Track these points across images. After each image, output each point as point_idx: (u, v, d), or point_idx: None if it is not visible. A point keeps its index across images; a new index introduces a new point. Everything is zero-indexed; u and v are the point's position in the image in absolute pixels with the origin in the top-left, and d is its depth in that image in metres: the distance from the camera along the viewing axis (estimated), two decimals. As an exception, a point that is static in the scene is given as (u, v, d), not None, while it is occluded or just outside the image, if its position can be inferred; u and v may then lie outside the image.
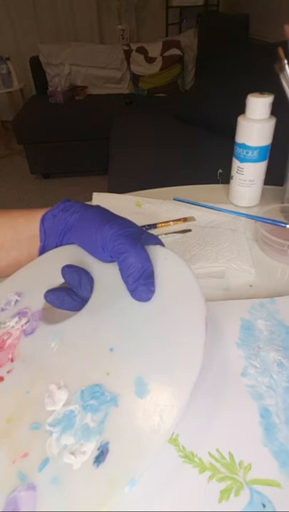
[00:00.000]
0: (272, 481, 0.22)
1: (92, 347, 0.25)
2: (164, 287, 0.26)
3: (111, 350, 0.24)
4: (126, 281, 0.26)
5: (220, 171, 0.73)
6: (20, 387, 0.24)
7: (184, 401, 0.21)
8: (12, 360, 0.26)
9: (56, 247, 0.33)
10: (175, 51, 2.31)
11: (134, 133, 1.77)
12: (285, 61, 0.44)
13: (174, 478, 0.23)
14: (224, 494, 0.22)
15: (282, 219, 0.49)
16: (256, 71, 1.27)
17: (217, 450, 0.24)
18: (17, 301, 0.31)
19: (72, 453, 0.20)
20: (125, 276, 0.26)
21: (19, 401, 0.24)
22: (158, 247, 0.29)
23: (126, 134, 1.76)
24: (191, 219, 0.53)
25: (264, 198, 0.57)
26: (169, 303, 0.25)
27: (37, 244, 0.33)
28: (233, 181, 0.56)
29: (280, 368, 0.29)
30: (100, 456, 0.20)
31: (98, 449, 0.20)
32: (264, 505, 0.21)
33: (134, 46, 2.35)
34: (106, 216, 0.29)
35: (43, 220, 0.32)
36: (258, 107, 0.48)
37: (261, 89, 0.49)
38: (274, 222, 0.44)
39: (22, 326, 0.29)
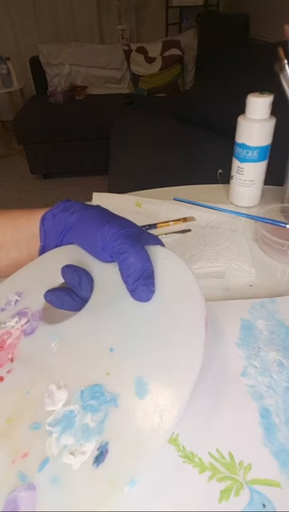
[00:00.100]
0: (272, 481, 0.22)
1: (92, 347, 0.25)
2: (164, 287, 0.26)
3: (111, 350, 0.24)
4: (126, 281, 0.26)
5: (220, 171, 0.73)
6: (20, 387, 0.24)
7: (184, 401, 0.21)
8: (12, 360, 0.26)
9: (56, 247, 0.33)
10: (175, 51, 2.31)
11: (134, 133, 1.77)
12: (285, 61, 0.44)
13: (174, 478, 0.23)
14: (224, 494, 0.22)
15: (282, 219, 0.49)
16: (256, 71, 1.27)
17: (217, 450, 0.24)
18: (17, 301, 0.31)
19: (72, 453, 0.20)
20: (125, 276, 0.26)
21: (19, 401, 0.24)
22: (158, 247, 0.29)
23: (126, 134, 1.76)
24: (191, 219, 0.53)
25: (264, 198, 0.57)
26: (169, 303, 0.25)
27: (37, 244, 0.33)
28: (233, 181, 0.56)
29: (280, 368, 0.29)
30: (100, 456, 0.20)
31: (98, 449, 0.20)
32: (264, 505, 0.21)
33: (134, 46, 2.35)
34: (106, 216, 0.29)
35: (43, 220, 0.32)
36: (258, 107, 0.48)
37: (261, 89, 0.49)
38: (274, 222, 0.44)
39: (22, 326, 0.29)
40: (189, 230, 0.50)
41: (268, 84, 0.53)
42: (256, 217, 0.45)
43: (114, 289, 0.27)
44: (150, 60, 2.33)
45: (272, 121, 0.49)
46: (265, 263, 0.45)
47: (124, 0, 2.78)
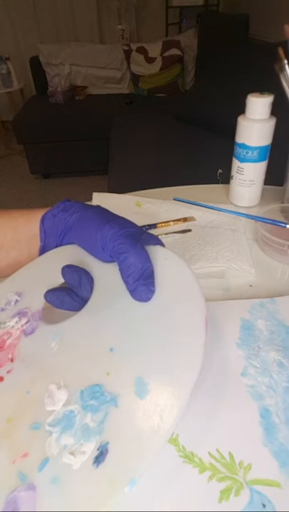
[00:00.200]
0: (272, 481, 0.22)
1: (92, 347, 0.25)
2: (164, 287, 0.26)
3: (111, 350, 0.24)
4: (126, 281, 0.26)
5: (220, 171, 0.73)
6: (20, 387, 0.24)
7: (184, 401, 0.21)
8: (12, 360, 0.26)
9: (56, 247, 0.33)
10: (175, 51, 2.31)
11: (134, 133, 1.77)
12: (285, 61, 0.44)
13: (174, 478, 0.23)
14: (224, 494, 0.22)
15: (282, 219, 0.49)
16: (256, 71, 1.27)
17: (217, 450, 0.24)
18: (17, 301, 0.31)
19: (72, 453, 0.20)
20: (125, 276, 0.26)
21: (19, 401, 0.24)
22: (158, 247, 0.29)
23: (126, 134, 1.76)
24: (191, 219, 0.53)
25: (264, 198, 0.57)
26: (169, 303, 0.25)
27: (37, 244, 0.33)
28: (233, 181, 0.56)
29: (280, 368, 0.29)
30: (100, 456, 0.20)
31: (98, 449, 0.20)
32: (264, 505, 0.21)
33: (134, 46, 2.35)
34: (106, 216, 0.29)
35: (43, 220, 0.32)
36: (258, 107, 0.48)
37: (261, 89, 0.49)
38: (274, 222, 0.44)
39: (22, 326, 0.29)
40: (189, 230, 0.50)
41: (268, 84, 0.53)
42: (256, 217, 0.45)
43: (114, 289, 0.27)
44: (150, 60, 2.33)
45: (272, 121, 0.49)
46: (265, 263, 0.45)
47: (124, 0, 2.78)
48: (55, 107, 2.23)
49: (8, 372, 0.26)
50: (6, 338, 0.28)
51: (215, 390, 0.28)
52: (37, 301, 0.30)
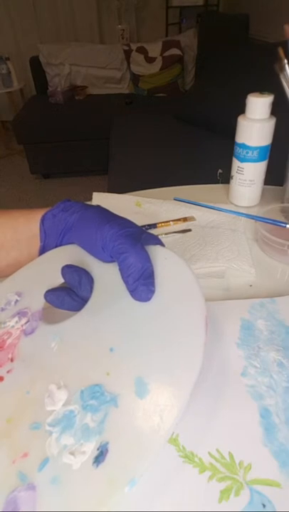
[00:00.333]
0: (272, 481, 0.22)
1: (92, 347, 0.25)
2: (164, 287, 0.26)
3: (111, 350, 0.24)
4: (126, 281, 0.26)
5: (220, 171, 0.73)
6: (20, 387, 0.24)
7: (184, 401, 0.21)
8: (12, 360, 0.26)
9: (56, 247, 0.33)
10: (175, 51, 2.31)
11: (134, 133, 1.77)
12: (285, 61, 0.44)
13: (174, 478, 0.23)
14: (224, 494, 0.22)
15: (282, 219, 0.49)
16: (256, 71, 1.27)
17: (217, 450, 0.24)
18: (17, 301, 0.31)
19: (72, 453, 0.20)
20: (125, 276, 0.26)
21: (19, 401, 0.24)
22: (158, 247, 0.29)
23: (126, 134, 1.76)
24: (191, 219, 0.53)
25: (264, 198, 0.57)
26: (169, 303, 0.25)
27: (37, 244, 0.33)
28: (233, 181, 0.56)
29: (280, 368, 0.29)
30: (100, 456, 0.20)
31: (98, 449, 0.20)
32: (264, 505, 0.21)
33: (134, 46, 2.35)
34: (106, 216, 0.29)
35: (43, 220, 0.32)
36: (258, 106, 0.48)
37: (261, 89, 0.49)
38: (274, 222, 0.44)
39: (22, 325, 0.29)
40: (189, 230, 0.50)
41: (268, 84, 0.53)
42: (256, 217, 0.45)
43: (114, 289, 0.27)
44: (150, 60, 2.33)
45: (272, 121, 0.49)
46: (265, 263, 0.45)
47: (124, 0, 2.78)
48: (55, 107, 2.23)
49: (8, 372, 0.26)
50: (6, 338, 0.28)
51: (215, 390, 0.28)
52: (37, 301, 0.30)
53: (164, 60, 2.31)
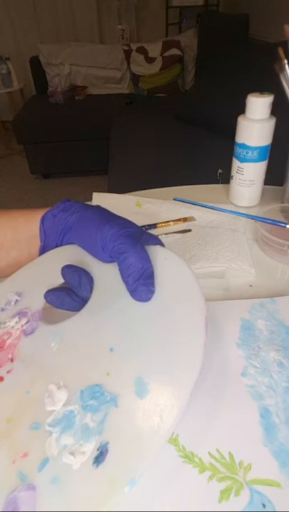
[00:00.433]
0: (272, 481, 0.22)
1: (92, 347, 0.25)
2: (164, 287, 0.26)
3: (111, 350, 0.24)
4: (126, 282, 0.26)
5: (220, 171, 0.73)
6: (20, 387, 0.24)
7: (184, 401, 0.21)
8: (12, 360, 0.26)
9: (56, 247, 0.33)
10: (175, 51, 2.31)
11: (134, 133, 1.77)
12: (285, 61, 0.44)
13: (174, 478, 0.23)
14: (224, 494, 0.22)
15: (282, 219, 0.49)
16: (256, 71, 1.27)
17: (217, 450, 0.24)
18: (17, 301, 0.31)
19: (72, 453, 0.20)
20: (125, 277, 0.26)
21: (19, 401, 0.24)
22: (158, 247, 0.29)
23: (126, 134, 1.76)
24: (191, 219, 0.53)
25: (264, 198, 0.57)
26: (169, 303, 0.25)
27: (37, 244, 0.33)
28: (233, 181, 0.56)
29: (280, 368, 0.29)
30: (100, 457, 0.20)
31: (98, 449, 0.20)
32: (264, 505, 0.21)
33: (134, 46, 2.35)
34: (106, 216, 0.29)
35: (43, 220, 0.32)
36: (258, 107, 0.48)
37: (261, 89, 0.49)
38: (274, 222, 0.44)
39: (22, 326, 0.29)
40: (189, 230, 0.50)
41: (268, 84, 0.53)
42: (256, 217, 0.45)
43: (114, 289, 0.27)
44: (150, 60, 2.33)
45: (272, 121, 0.49)
46: (265, 263, 0.45)
47: (124, 0, 2.78)
48: (55, 107, 2.23)
49: (8, 372, 0.26)
50: (6, 338, 0.28)
51: (215, 390, 0.28)
52: (37, 301, 0.30)
53: (164, 60, 2.31)
